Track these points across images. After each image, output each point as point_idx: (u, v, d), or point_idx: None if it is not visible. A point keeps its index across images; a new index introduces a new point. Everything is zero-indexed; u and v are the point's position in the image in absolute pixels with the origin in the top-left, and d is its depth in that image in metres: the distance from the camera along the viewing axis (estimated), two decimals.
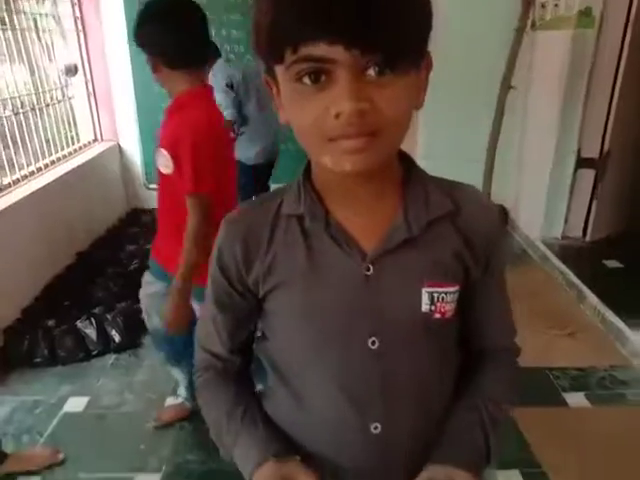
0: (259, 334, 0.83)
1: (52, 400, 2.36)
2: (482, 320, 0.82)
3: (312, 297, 0.72)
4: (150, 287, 1.90)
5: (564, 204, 3.71)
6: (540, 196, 3.73)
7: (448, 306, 0.73)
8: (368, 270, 0.70)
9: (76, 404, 2.34)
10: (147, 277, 1.92)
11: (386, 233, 0.70)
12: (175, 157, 1.52)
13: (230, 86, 3.10)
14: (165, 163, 1.55)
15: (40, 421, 2.23)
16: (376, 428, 0.74)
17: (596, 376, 2.49)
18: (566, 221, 3.77)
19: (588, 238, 3.72)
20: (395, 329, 0.72)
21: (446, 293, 0.72)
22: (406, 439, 0.76)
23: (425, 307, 0.71)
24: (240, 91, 3.14)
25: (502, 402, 0.79)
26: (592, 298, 2.97)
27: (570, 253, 3.58)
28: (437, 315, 0.72)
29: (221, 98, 2.91)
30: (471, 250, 0.73)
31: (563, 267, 3.35)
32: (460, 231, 0.73)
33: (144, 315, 2.00)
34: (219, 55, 3.17)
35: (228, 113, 2.96)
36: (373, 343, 0.72)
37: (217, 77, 3.04)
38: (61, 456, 2.03)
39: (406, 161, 0.74)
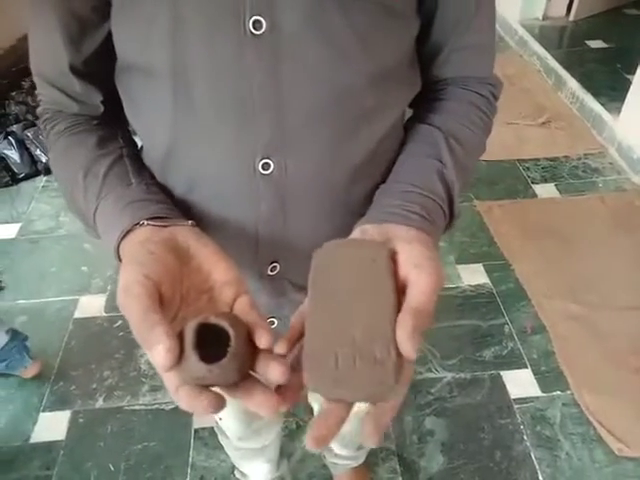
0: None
1: None
2: (448, 31, 0.53)
3: None
4: None
5: None
6: None
7: None
8: None
9: (7, 231, 2.12)
10: None
11: None
12: None
13: None
14: None
15: None
16: (266, 167, 0.50)
17: (569, 165, 2.34)
18: None
19: (572, 17, 3.31)
20: (293, 6, 0.43)
21: None
22: (313, 189, 0.52)
23: None
24: None
25: (470, 146, 0.55)
26: (571, 83, 2.70)
27: (551, 35, 3.20)
28: None
29: None
30: None
31: (542, 51, 3.00)
32: None
33: None
34: None
35: None
36: (257, 25, 0.43)
37: None
38: None
39: None
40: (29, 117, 2.55)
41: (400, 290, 0.39)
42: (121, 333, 1.69)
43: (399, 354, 0.35)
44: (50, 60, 0.53)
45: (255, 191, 0.51)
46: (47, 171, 2.41)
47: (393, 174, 0.53)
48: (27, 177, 2.39)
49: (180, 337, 0.35)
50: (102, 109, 0.56)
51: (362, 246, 0.42)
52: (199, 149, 0.51)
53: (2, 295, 1.86)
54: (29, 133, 2.39)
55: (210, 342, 0.35)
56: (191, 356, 0.34)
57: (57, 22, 0.49)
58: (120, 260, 0.44)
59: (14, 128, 2.44)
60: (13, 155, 2.37)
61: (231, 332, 0.35)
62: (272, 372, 0.35)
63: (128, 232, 0.44)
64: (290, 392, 0.36)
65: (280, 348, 0.37)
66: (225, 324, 0.36)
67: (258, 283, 0.59)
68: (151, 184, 0.52)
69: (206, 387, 0.36)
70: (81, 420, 1.49)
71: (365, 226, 0.46)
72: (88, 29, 0.50)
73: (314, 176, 0.52)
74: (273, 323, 0.64)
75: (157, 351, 0.33)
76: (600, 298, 1.75)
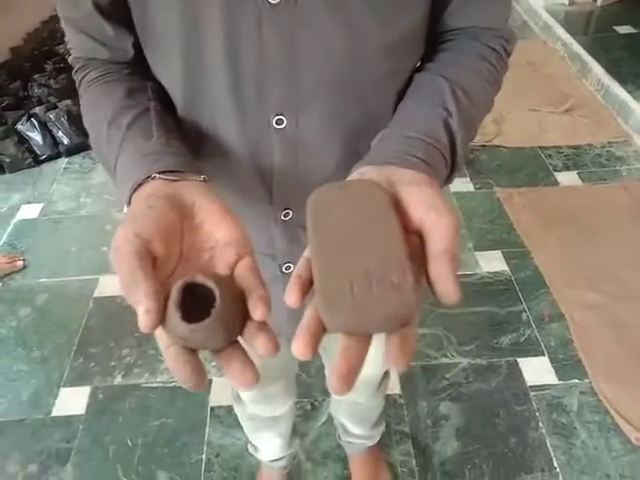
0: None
1: (3, 209, 2.18)
2: None
3: None
4: None
5: None
6: None
7: None
8: None
9: (29, 211, 2.16)
10: None
11: None
12: None
13: None
14: None
15: None
16: (280, 122, 0.53)
17: (592, 153, 2.30)
18: None
19: (599, 2, 3.22)
20: None
21: None
22: (322, 140, 0.55)
23: None
24: None
25: (477, 97, 0.53)
26: (597, 69, 2.64)
27: (577, 21, 3.12)
28: None
29: None
30: None
31: (567, 37, 2.94)
32: None
33: None
34: None
35: None
36: None
37: None
38: (20, 263, 1.92)
39: None
40: (51, 99, 2.58)
41: (415, 233, 0.37)
42: None
43: (416, 279, 0.34)
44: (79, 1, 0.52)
45: (269, 143, 0.55)
46: (68, 153, 2.45)
47: (395, 120, 0.51)
48: (49, 159, 2.43)
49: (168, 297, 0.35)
50: (132, 53, 0.56)
51: (358, 186, 0.41)
52: (214, 106, 0.53)
53: (25, 273, 1.90)
54: (51, 115, 2.42)
55: (204, 305, 0.34)
56: (174, 315, 0.34)
57: None
58: None
59: (37, 110, 2.47)
60: (36, 137, 2.40)
61: (217, 292, 0.34)
62: (259, 345, 0.35)
63: (139, 185, 0.43)
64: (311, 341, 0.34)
65: (291, 301, 0.35)
66: (212, 284, 0.35)
67: (275, 228, 0.63)
68: (172, 137, 0.51)
69: (194, 352, 0.35)
70: (100, 396, 1.52)
71: (364, 168, 0.44)
72: None
73: (324, 129, 0.54)
74: (289, 268, 0.67)
75: (138, 311, 0.33)
76: (620, 287, 1.72)
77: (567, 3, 3.25)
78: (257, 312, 0.35)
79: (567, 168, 2.23)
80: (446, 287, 0.34)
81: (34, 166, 2.40)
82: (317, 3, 0.46)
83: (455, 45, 0.56)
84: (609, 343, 1.57)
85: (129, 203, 0.44)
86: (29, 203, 2.21)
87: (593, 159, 2.27)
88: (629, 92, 2.44)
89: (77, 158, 2.44)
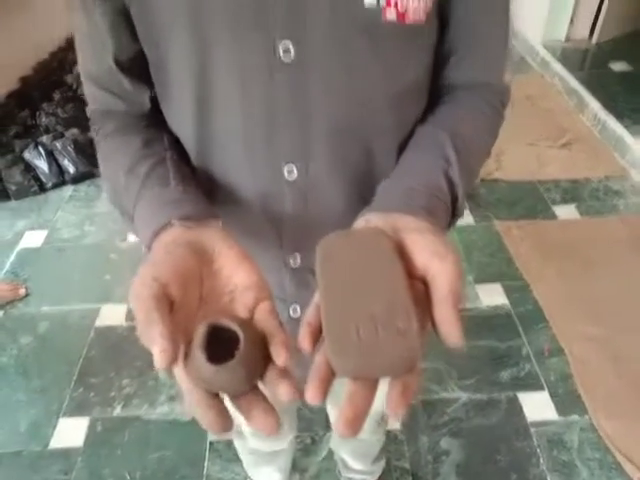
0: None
1: (7, 236, 2.20)
2: (459, 37, 0.55)
3: None
4: None
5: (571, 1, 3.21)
6: None
7: (414, 2, 0.47)
8: None
9: (34, 239, 2.18)
10: None
11: None
12: None
13: None
14: None
15: None
16: (291, 172, 0.55)
17: (589, 187, 2.33)
18: (572, 21, 3.32)
19: (595, 40, 3.30)
20: (320, 32, 0.48)
21: None
22: (331, 185, 0.57)
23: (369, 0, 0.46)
24: None
25: (476, 148, 0.56)
26: (594, 105, 2.69)
27: (573, 57, 3.19)
28: (391, 15, 0.47)
29: None
30: None
31: (564, 72, 3.00)
32: None
33: None
34: None
35: None
36: (286, 52, 0.48)
37: None
38: (23, 291, 1.93)
39: None
40: (58, 128, 2.62)
41: (420, 279, 0.39)
42: (141, 342, 1.71)
43: (420, 324, 0.35)
44: (96, 55, 0.55)
45: (281, 193, 0.57)
46: (74, 181, 2.48)
47: (397, 170, 0.53)
48: (54, 187, 2.46)
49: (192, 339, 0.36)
50: (149, 106, 0.59)
51: (364, 234, 0.43)
52: (225, 155, 0.56)
53: (27, 301, 1.91)
54: (58, 144, 2.46)
55: (226, 349, 0.35)
56: (198, 357, 0.34)
57: (101, 17, 0.52)
58: None
59: (44, 139, 2.51)
60: (42, 165, 2.44)
61: (241, 335, 0.35)
62: (282, 392, 0.35)
63: (159, 232, 0.45)
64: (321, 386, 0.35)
65: (303, 348, 0.37)
66: (235, 327, 0.36)
67: (285, 273, 0.64)
68: (189, 184, 0.53)
69: (217, 396, 0.35)
70: (99, 427, 1.52)
71: (369, 215, 0.46)
72: (128, 25, 0.52)
73: (332, 176, 0.57)
74: (297, 311, 0.68)
75: (153, 351, 0.34)
76: (619, 321, 1.73)
77: (563, 40, 3.33)
78: (280, 358, 0.36)
79: (565, 201, 2.26)
80: (450, 330, 0.35)
81: (39, 194, 2.43)
82: (329, 59, 0.49)
83: (455, 99, 0.59)
84: (609, 377, 1.57)
85: (149, 249, 0.46)
86: (33, 229, 2.23)
87: (591, 193, 2.30)
88: (625, 127, 2.49)
89: (82, 186, 2.47)
